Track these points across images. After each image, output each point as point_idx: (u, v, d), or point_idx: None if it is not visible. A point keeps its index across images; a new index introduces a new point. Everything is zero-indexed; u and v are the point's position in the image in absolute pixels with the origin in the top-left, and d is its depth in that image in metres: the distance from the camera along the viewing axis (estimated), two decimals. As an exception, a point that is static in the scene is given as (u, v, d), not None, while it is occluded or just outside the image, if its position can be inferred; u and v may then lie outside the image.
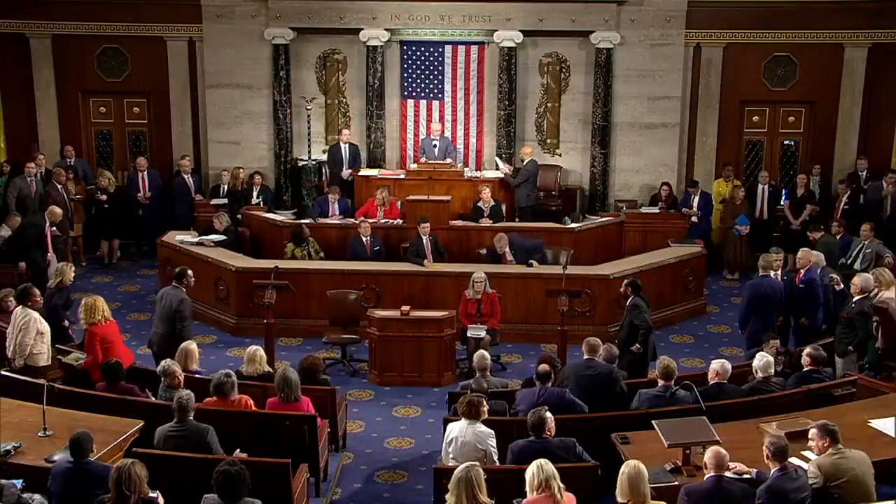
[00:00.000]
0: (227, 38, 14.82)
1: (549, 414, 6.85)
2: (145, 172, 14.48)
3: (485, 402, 7.16)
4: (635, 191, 14.88)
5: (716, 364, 8.13)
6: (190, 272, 9.77)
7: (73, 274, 10.08)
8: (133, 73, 15.40)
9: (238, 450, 7.10)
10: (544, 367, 7.96)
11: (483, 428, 7.08)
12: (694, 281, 12.44)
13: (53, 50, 15.26)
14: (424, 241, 11.99)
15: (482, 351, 8.94)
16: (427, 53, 14.81)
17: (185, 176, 14.62)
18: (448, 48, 14.75)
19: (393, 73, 14.90)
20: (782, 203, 14.20)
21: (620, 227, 13.41)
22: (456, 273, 11.49)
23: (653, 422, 7.00)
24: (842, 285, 10.13)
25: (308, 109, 14.35)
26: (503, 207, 13.37)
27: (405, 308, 10.48)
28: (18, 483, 6.24)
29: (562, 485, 5.93)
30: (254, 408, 7.71)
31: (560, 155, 15.10)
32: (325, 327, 11.02)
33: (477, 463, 6.06)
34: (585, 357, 8.33)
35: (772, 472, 6.14)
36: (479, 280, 10.66)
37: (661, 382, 7.95)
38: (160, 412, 7.43)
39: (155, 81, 15.36)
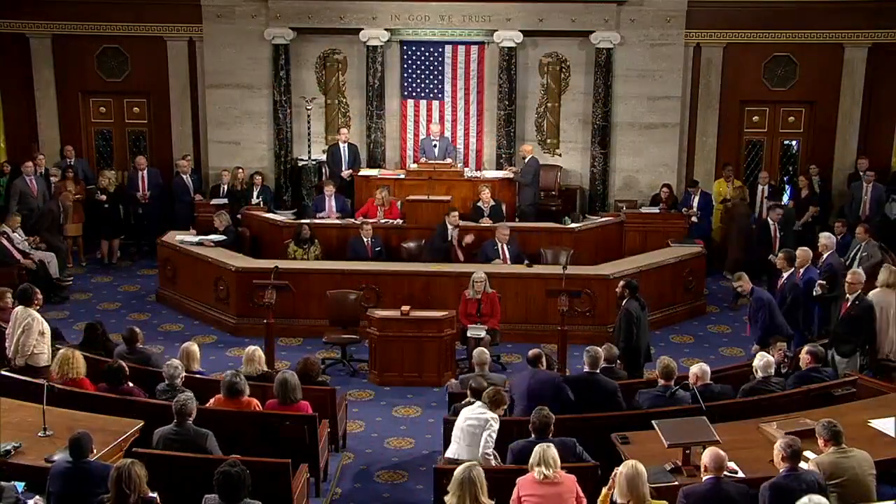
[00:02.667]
0: (227, 38, 14.82)
1: (551, 414, 6.86)
2: (145, 171, 14.49)
3: (506, 398, 7.28)
4: (635, 191, 14.88)
5: (694, 368, 8.13)
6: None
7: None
8: (133, 73, 15.40)
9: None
10: (535, 351, 8.11)
11: (491, 414, 7.15)
12: (694, 281, 12.44)
13: (53, 50, 15.26)
14: (450, 230, 12.18)
15: (482, 347, 9.02)
16: (427, 53, 14.81)
17: (184, 176, 14.61)
18: (448, 48, 14.75)
19: (393, 73, 14.90)
20: (786, 202, 14.18)
21: (620, 227, 13.40)
22: (456, 273, 11.49)
23: (653, 422, 7.00)
24: (821, 291, 10.07)
25: (308, 109, 14.36)
26: (503, 207, 13.37)
27: (405, 308, 10.48)
28: (20, 486, 6.23)
29: (552, 472, 6.11)
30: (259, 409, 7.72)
31: (560, 155, 15.11)
32: (325, 327, 11.01)
33: (476, 462, 6.08)
34: (586, 370, 8.22)
35: (781, 471, 6.13)
36: (479, 280, 10.66)
37: (661, 382, 7.96)
38: (160, 413, 7.43)
39: (155, 81, 15.37)
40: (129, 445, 7.03)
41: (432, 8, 14.39)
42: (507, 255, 12.06)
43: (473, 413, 7.20)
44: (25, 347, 8.70)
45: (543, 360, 8.12)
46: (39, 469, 6.53)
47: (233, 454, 6.70)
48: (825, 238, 10.85)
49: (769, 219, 12.66)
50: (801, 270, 10.23)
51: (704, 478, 6.11)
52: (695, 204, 13.83)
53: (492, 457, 7.06)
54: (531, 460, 6.22)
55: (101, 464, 6.31)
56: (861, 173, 14.04)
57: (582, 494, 6.26)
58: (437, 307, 10.88)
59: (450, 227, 12.24)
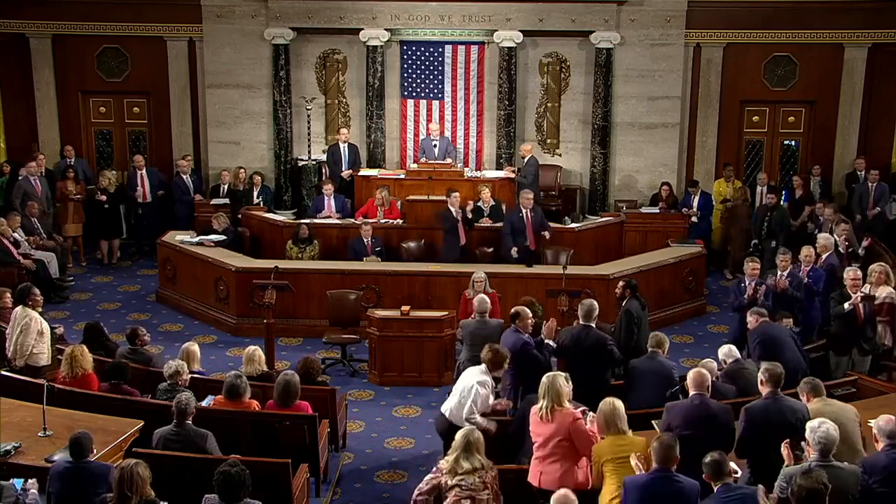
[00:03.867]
0: (227, 38, 14.82)
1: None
2: (144, 171, 14.49)
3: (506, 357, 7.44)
4: (635, 191, 14.88)
5: (698, 367, 8.19)
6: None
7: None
8: (133, 73, 15.41)
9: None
10: (515, 308, 8.42)
11: (478, 379, 7.36)
12: (694, 281, 12.45)
13: (53, 50, 15.27)
14: (454, 212, 12.29)
15: (482, 295, 9.28)
16: (427, 53, 14.81)
17: (184, 176, 14.61)
18: (448, 48, 14.76)
19: (393, 73, 14.90)
20: (783, 203, 14.19)
21: (620, 227, 13.41)
22: (456, 273, 11.49)
23: (653, 422, 7.01)
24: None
25: (308, 109, 14.36)
26: (503, 207, 13.37)
27: (405, 308, 10.48)
28: (19, 484, 6.22)
29: (545, 410, 6.35)
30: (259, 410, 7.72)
31: (560, 155, 15.11)
32: (325, 327, 11.02)
33: (474, 428, 6.33)
34: (581, 323, 8.40)
35: (763, 395, 6.46)
36: (479, 280, 10.64)
37: (650, 349, 8.15)
38: (160, 413, 7.43)
39: (155, 81, 15.38)
40: (129, 445, 7.03)
41: (432, 8, 14.39)
42: (531, 222, 12.09)
43: (475, 377, 7.40)
44: (24, 347, 8.71)
45: (522, 322, 8.27)
46: (40, 469, 6.52)
47: (233, 454, 6.69)
48: (823, 239, 10.86)
49: (835, 235, 11.55)
50: (806, 269, 10.27)
51: (690, 394, 6.47)
52: (695, 204, 13.83)
53: (475, 424, 7.15)
54: (539, 391, 6.54)
55: (101, 464, 6.31)
56: (859, 173, 14.06)
57: (581, 430, 6.36)
58: (437, 307, 10.90)
59: (453, 209, 12.26)
